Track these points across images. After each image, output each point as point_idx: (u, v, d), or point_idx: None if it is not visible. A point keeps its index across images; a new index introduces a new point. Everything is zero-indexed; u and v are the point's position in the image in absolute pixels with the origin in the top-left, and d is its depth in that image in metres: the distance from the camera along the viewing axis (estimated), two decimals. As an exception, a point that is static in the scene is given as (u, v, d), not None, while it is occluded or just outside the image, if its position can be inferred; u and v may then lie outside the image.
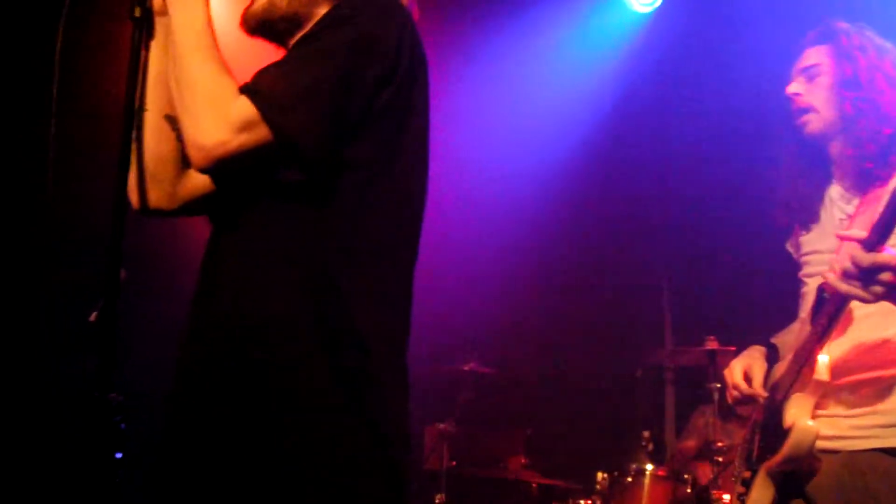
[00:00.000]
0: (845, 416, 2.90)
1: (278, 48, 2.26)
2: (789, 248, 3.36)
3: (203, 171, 2.00)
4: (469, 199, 6.24)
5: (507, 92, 6.28)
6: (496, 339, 6.13)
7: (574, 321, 6.43)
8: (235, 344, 2.01)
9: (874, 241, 2.55)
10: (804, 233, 3.21)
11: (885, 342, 2.86)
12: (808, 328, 2.96)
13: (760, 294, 3.99)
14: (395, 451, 2.04)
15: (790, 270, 3.31)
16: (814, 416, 2.90)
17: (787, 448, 2.89)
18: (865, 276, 2.55)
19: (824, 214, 3.16)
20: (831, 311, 2.78)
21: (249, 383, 1.98)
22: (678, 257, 6.19)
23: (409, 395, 2.14)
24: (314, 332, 1.99)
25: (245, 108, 1.92)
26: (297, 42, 2.14)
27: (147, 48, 2.11)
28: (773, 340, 3.31)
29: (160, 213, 2.24)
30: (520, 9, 6.15)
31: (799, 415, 2.90)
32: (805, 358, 2.89)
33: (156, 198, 2.20)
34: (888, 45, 3.07)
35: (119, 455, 1.86)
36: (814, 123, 3.09)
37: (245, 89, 1.95)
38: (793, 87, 3.10)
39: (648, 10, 6.32)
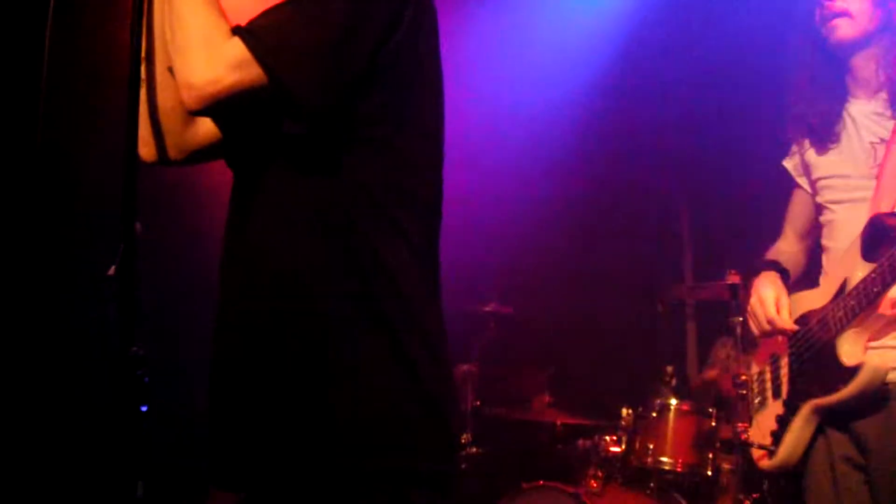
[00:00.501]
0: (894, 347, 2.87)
1: None
2: (787, 164, 3.28)
3: (196, 112, 1.99)
4: (484, 138, 6.18)
5: (517, 29, 6.19)
6: (515, 279, 6.13)
7: (593, 258, 6.42)
8: (272, 299, 2.01)
9: None
10: (817, 153, 3.13)
11: None
12: (858, 263, 2.89)
13: (761, 218, 3.95)
14: (442, 401, 2.04)
15: (784, 190, 3.25)
16: (865, 350, 2.86)
17: (854, 386, 2.84)
18: None
19: (845, 135, 3.08)
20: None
21: (290, 337, 1.98)
22: (695, 188, 6.14)
23: (447, 339, 2.12)
24: (349, 281, 1.98)
25: (237, 47, 1.91)
26: None
27: None
28: (769, 257, 3.26)
29: (170, 163, 2.23)
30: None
31: (858, 352, 2.85)
32: (868, 297, 2.82)
33: (165, 149, 2.19)
34: None
35: (144, 408, 1.86)
36: (844, 28, 3.00)
37: (238, 30, 1.94)
38: None
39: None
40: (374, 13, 1.98)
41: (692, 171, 6.20)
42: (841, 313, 2.92)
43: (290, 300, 1.99)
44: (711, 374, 5.53)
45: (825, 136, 3.09)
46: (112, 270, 3.23)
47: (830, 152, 3.11)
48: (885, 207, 2.84)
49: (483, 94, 6.08)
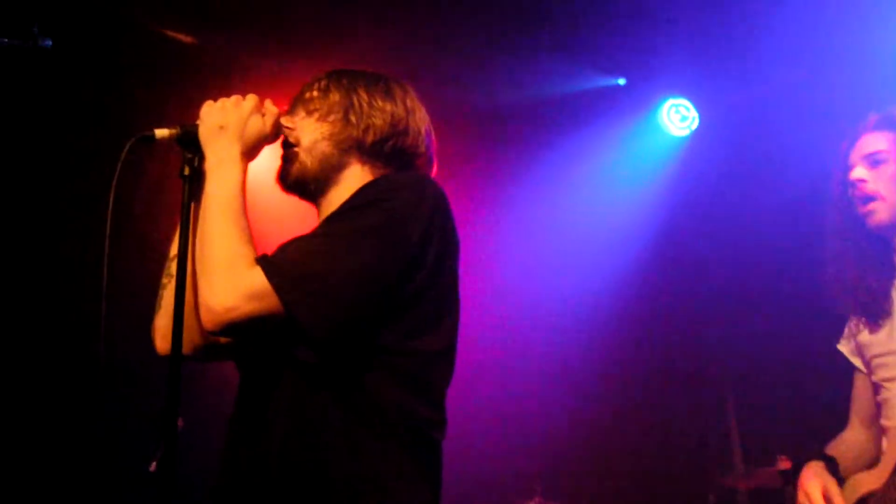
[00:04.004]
0: None
1: (312, 205, 2.35)
2: (842, 348, 3.24)
3: (212, 333, 2.05)
4: (521, 328, 6.21)
5: (551, 219, 6.32)
6: (559, 472, 6.01)
7: (640, 445, 6.29)
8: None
9: None
10: (870, 332, 3.09)
11: None
12: None
13: (819, 402, 3.87)
14: None
15: (840, 374, 3.20)
16: None
17: None
18: None
19: None
20: None
21: None
22: (739, 372, 6.07)
23: None
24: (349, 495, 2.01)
25: (258, 278, 1.97)
26: (327, 218, 2.19)
27: (198, 204, 2.17)
28: (828, 452, 3.17)
29: (185, 358, 2.26)
30: (562, 135, 6.23)
31: None
32: None
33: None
34: None
35: None
36: (881, 213, 3.00)
37: (261, 260, 2.01)
38: (857, 173, 3.01)
39: (685, 132, 6.39)
40: (399, 252, 2.06)
41: (733, 355, 6.14)
42: (894, 492, 2.83)
43: None
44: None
45: (877, 312, 3.05)
46: (153, 466, 3.22)
47: (882, 330, 3.06)
48: None
49: (512, 282, 6.15)
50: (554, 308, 6.23)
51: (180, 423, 2.06)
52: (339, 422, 2.04)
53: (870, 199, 3.00)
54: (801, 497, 3.07)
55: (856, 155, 3.06)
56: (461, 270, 2.25)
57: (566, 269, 6.26)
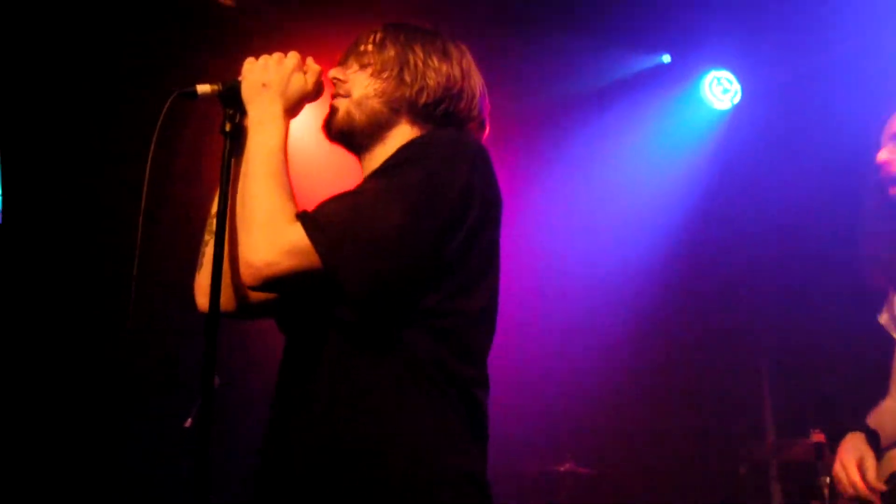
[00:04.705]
0: None
1: (356, 157, 2.33)
2: (882, 321, 3.23)
3: (252, 288, 2.04)
4: (560, 296, 6.23)
5: (593, 190, 6.32)
6: (591, 438, 6.03)
7: (671, 413, 6.29)
8: (324, 472, 2.02)
9: None
10: None
11: None
12: None
13: (855, 374, 3.84)
14: None
15: (881, 345, 3.18)
16: None
17: None
18: None
19: None
20: None
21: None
22: (776, 341, 6.05)
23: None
24: (397, 455, 2.00)
25: (298, 234, 1.96)
26: (369, 175, 2.17)
27: (238, 160, 2.17)
28: (869, 423, 3.17)
29: (225, 315, 2.23)
30: (603, 108, 6.22)
31: None
32: None
33: (223, 300, 2.15)
34: None
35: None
36: None
37: (301, 216, 2.00)
38: (882, 155, 3.00)
39: (728, 106, 6.33)
40: (439, 211, 2.03)
41: (771, 323, 6.11)
42: None
43: (345, 469, 2.01)
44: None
45: None
46: (188, 422, 3.24)
47: None
48: None
49: (556, 249, 6.20)
50: (594, 275, 6.24)
51: (216, 381, 2.06)
52: (385, 382, 2.03)
53: (894, 180, 2.97)
54: (836, 467, 3.07)
55: (886, 134, 3.03)
56: (503, 235, 2.23)
57: (607, 239, 6.28)
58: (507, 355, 3.29)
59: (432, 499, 1.98)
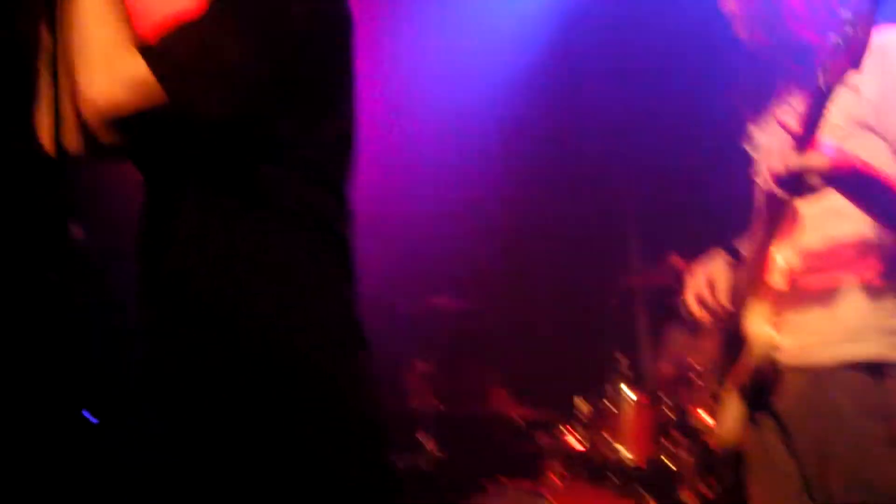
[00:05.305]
0: (800, 324, 2.82)
1: None
2: (746, 146, 3.27)
3: (97, 127, 1.93)
4: (425, 134, 6.19)
5: (447, 22, 6.21)
6: (464, 272, 6.13)
7: (538, 249, 6.42)
8: (192, 322, 1.99)
9: (803, 137, 2.48)
10: (757, 128, 3.14)
11: (832, 244, 2.78)
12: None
13: (719, 199, 3.93)
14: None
15: (746, 171, 3.24)
16: (772, 323, 2.78)
17: (745, 357, 2.79)
18: (794, 179, 2.48)
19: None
20: (772, 211, 2.69)
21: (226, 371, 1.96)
22: (637, 178, 6.15)
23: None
24: (264, 304, 1.97)
25: (139, 65, 1.87)
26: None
27: None
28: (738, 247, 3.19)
29: (76, 159, 2.16)
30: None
31: (756, 322, 2.78)
32: (758, 263, 2.78)
33: (70, 142, 2.08)
34: None
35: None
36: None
37: (142, 48, 1.89)
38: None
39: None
40: (286, 34, 1.96)
41: (631, 161, 6.19)
42: (742, 283, 2.88)
43: (212, 324, 1.98)
44: (665, 368, 5.50)
45: (760, 106, 3.11)
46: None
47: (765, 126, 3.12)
48: None
49: (420, 88, 6.10)
50: (457, 112, 6.17)
51: (78, 231, 1.97)
52: (244, 219, 1.99)
53: None
54: (687, 283, 3.11)
55: None
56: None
57: (467, 75, 6.19)
58: (372, 189, 3.26)
59: (304, 342, 1.98)
